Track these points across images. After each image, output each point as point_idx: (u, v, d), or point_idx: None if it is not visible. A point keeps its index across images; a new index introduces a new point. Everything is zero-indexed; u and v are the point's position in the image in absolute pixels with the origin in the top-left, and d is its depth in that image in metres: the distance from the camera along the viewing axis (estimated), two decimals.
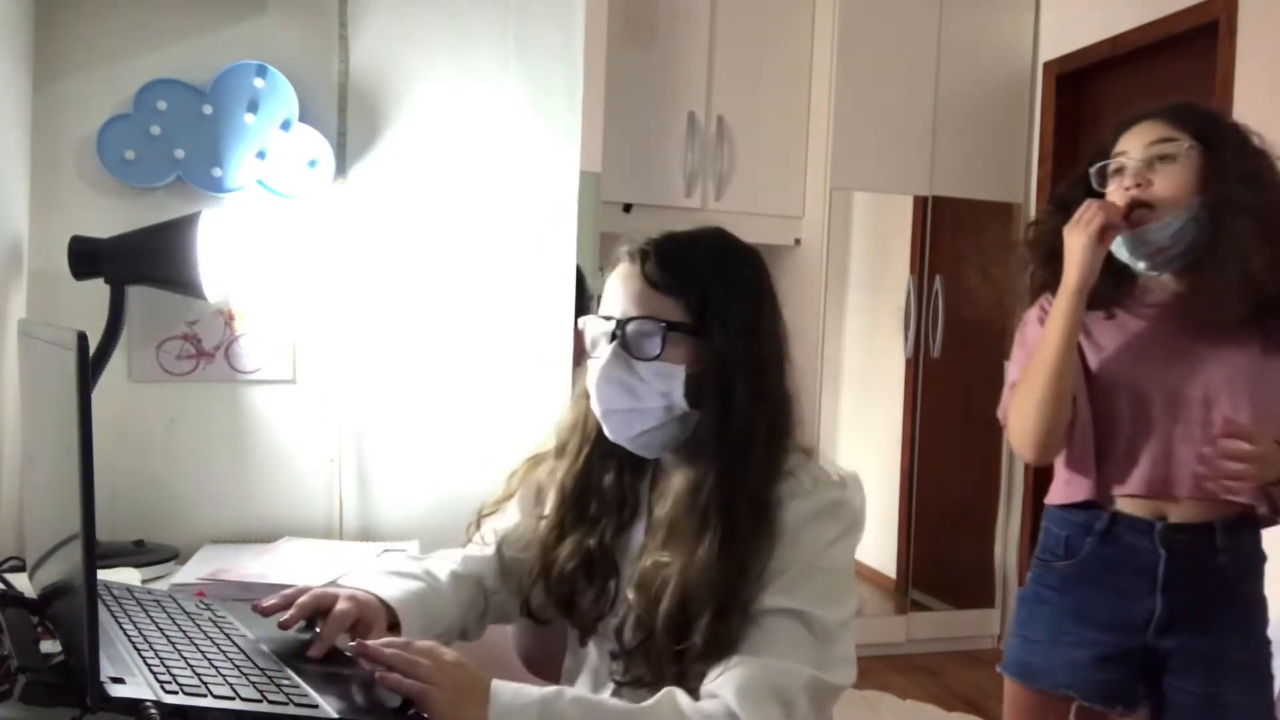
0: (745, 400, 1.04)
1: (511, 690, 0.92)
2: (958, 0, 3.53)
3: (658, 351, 1.04)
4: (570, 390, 1.37)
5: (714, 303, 1.05)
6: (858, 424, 3.81)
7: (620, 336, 1.06)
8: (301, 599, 1.06)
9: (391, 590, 1.14)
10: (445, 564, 1.24)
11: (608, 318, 1.08)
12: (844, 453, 3.77)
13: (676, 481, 1.09)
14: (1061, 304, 1.44)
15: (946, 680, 3.38)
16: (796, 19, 3.51)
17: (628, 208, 3.24)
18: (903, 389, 3.66)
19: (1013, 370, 1.57)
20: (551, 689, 0.94)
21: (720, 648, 1.00)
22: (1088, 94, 3.48)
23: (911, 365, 3.62)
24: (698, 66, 3.40)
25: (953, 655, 3.56)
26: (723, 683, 0.97)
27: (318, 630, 1.07)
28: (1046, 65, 3.55)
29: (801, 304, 3.51)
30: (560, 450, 1.21)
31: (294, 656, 1.02)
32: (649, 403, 1.06)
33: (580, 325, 1.13)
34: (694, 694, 0.99)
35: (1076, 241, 1.42)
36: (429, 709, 0.88)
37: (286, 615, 1.05)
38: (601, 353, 1.08)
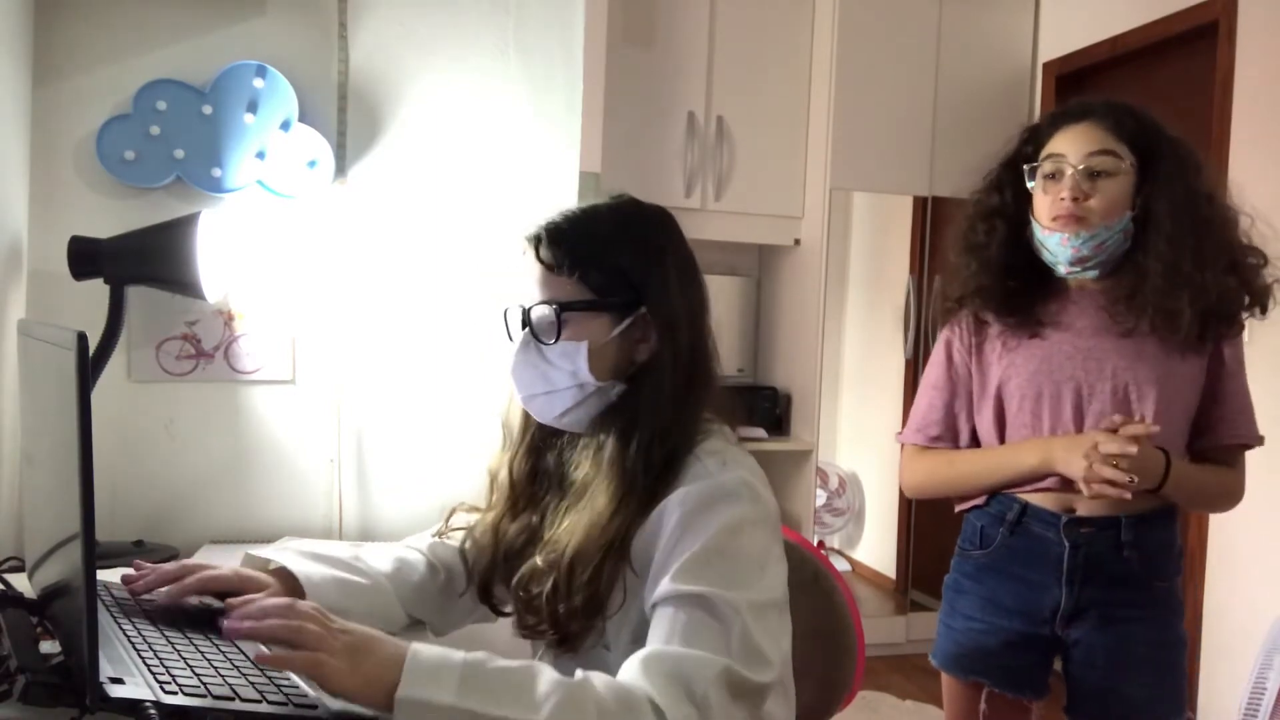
0: (655, 366, 1.04)
1: (435, 652, 0.85)
2: (957, 0, 3.53)
3: (555, 335, 1.05)
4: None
5: (610, 274, 1.05)
6: (858, 424, 3.80)
7: (528, 323, 1.08)
8: (165, 567, 1.07)
9: (304, 567, 1.11)
10: (391, 552, 1.22)
11: (522, 307, 1.10)
12: (844, 453, 3.77)
13: (589, 446, 1.08)
14: (1023, 468, 1.45)
15: None
16: (796, 19, 3.51)
17: None
18: (902, 389, 3.65)
19: (921, 399, 1.63)
20: (478, 654, 0.87)
21: (596, 605, 1.00)
22: (1088, 94, 3.46)
23: (911, 365, 3.61)
24: (697, 66, 3.39)
25: None
26: (634, 668, 0.91)
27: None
28: (1046, 65, 3.55)
29: (801, 304, 3.51)
30: (507, 438, 1.21)
31: None
32: (561, 384, 1.06)
33: (505, 316, 1.14)
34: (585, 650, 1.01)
35: (1075, 469, 1.38)
36: (325, 681, 0.81)
37: (142, 582, 1.06)
38: (516, 341, 1.10)
